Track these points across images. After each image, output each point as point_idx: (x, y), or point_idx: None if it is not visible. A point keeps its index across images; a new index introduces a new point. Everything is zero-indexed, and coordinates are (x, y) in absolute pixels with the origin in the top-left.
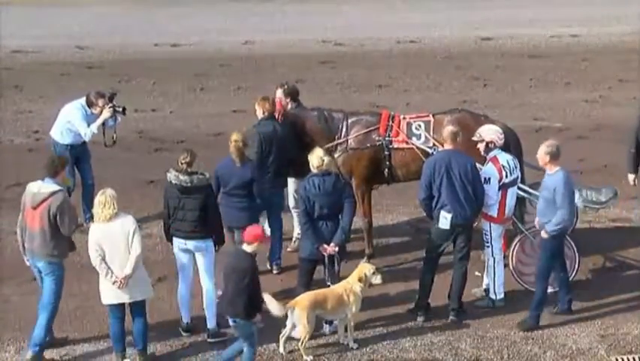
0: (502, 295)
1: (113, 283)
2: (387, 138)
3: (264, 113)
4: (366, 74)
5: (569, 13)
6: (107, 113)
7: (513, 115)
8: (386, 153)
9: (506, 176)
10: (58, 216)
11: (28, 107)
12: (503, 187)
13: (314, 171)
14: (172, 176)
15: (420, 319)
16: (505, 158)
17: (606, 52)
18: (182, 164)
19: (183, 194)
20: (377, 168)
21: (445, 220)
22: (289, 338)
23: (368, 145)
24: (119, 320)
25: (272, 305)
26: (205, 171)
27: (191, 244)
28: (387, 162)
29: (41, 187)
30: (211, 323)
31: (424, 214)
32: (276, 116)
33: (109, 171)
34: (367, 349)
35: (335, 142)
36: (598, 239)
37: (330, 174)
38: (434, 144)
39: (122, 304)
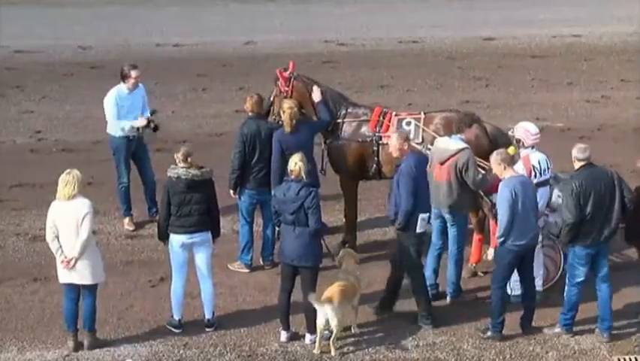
0: (539, 288)
1: (61, 263)
2: (377, 134)
3: (252, 111)
4: (368, 74)
5: (570, 13)
6: (142, 122)
7: (515, 115)
8: (375, 148)
9: (535, 176)
10: (464, 171)
11: (30, 107)
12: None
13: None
14: (181, 171)
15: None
16: (537, 158)
17: (608, 52)
18: (182, 161)
19: (191, 188)
20: (364, 164)
21: (422, 222)
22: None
23: (358, 139)
24: (71, 300)
25: (311, 294)
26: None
27: (197, 237)
28: (376, 158)
29: (449, 144)
30: (209, 314)
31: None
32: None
33: (111, 171)
34: (369, 349)
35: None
36: None
37: (299, 182)
38: (423, 140)
39: (77, 287)
